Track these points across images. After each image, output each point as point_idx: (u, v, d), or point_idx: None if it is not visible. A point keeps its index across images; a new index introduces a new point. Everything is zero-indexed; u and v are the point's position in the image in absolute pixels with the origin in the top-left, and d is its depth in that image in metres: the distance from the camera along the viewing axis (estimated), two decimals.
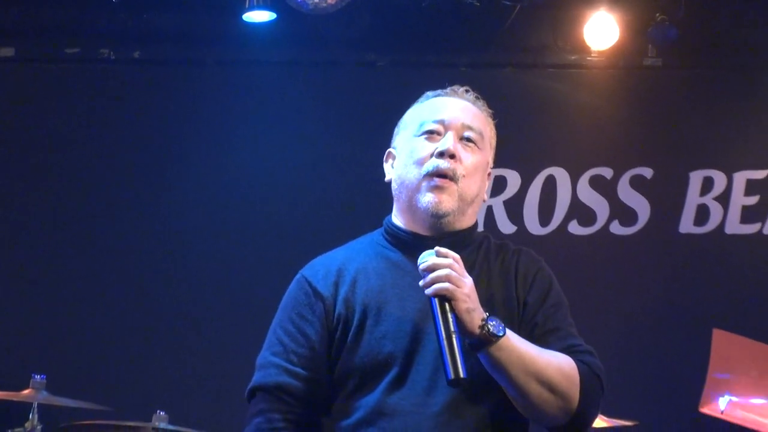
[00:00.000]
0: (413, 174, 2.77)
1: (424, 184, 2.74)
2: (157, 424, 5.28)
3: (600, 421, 5.55)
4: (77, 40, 6.83)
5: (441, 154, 2.75)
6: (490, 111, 2.95)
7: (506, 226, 6.74)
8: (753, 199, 6.87)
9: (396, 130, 2.92)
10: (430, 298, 2.57)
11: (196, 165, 6.80)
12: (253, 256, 6.71)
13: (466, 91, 2.93)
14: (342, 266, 2.77)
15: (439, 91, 2.92)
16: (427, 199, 2.73)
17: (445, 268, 2.57)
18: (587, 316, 6.73)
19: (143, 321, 6.64)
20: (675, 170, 6.88)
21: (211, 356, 6.60)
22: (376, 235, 2.87)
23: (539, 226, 6.82)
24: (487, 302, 2.65)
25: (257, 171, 6.80)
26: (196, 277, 6.71)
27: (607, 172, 6.88)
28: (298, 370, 2.68)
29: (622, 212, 6.86)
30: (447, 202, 2.73)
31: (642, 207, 6.86)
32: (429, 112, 2.84)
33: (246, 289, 6.64)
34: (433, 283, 2.56)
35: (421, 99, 2.94)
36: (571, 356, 2.68)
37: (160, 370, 6.56)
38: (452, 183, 2.73)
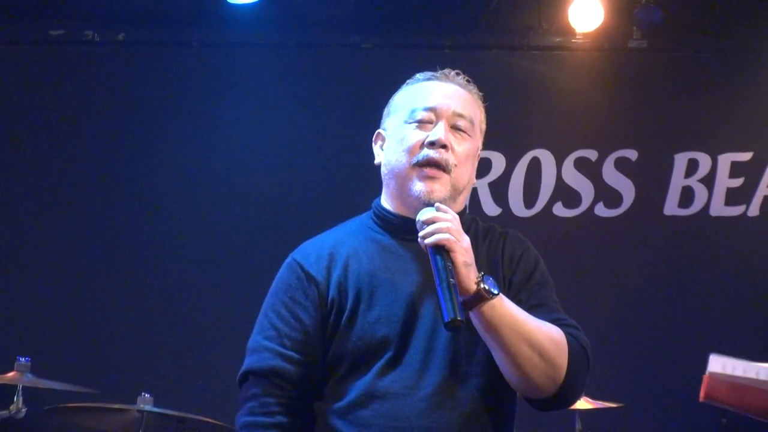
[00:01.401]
0: (403, 162, 2.75)
1: (415, 173, 2.73)
2: (142, 406, 5.27)
3: (585, 403, 5.57)
4: (62, 22, 6.80)
5: (432, 144, 2.74)
6: (481, 93, 2.95)
7: (491, 208, 6.75)
8: (737, 182, 6.88)
9: (386, 110, 2.90)
10: (428, 248, 2.57)
11: (181, 146, 6.78)
12: (238, 238, 6.71)
13: (457, 74, 2.90)
14: (333, 250, 2.76)
15: (430, 74, 2.88)
16: (418, 188, 2.72)
17: (445, 221, 2.58)
18: (572, 297, 6.74)
19: (128, 304, 6.63)
20: (660, 152, 6.89)
21: (196, 339, 6.60)
22: (365, 219, 2.86)
23: (524, 208, 6.83)
24: None
25: (242, 152, 6.79)
26: (180, 260, 6.70)
27: (592, 154, 6.89)
28: (292, 354, 2.67)
29: (607, 194, 6.87)
30: (439, 191, 2.72)
31: (627, 189, 6.87)
32: (419, 99, 2.81)
33: (231, 272, 6.63)
34: (433, 234, 2.57)
35: (411, 81, 2.90)
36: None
37: (145, 352, 6.55)
38: (444, 173, 2.73)
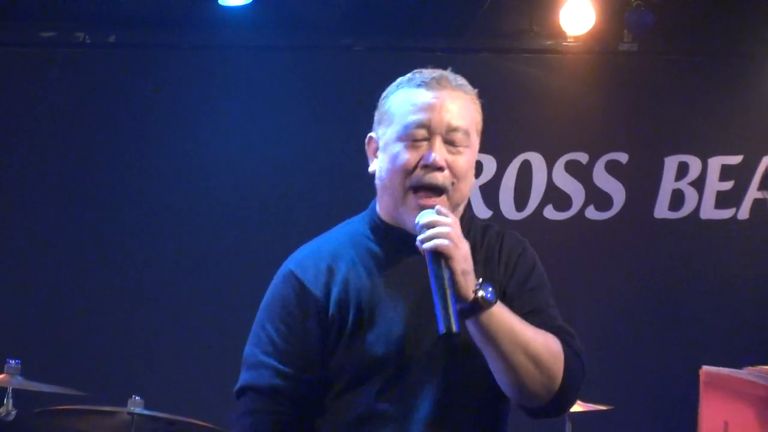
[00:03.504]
0: (397, 182, 2.64)
1: (411, 197, 2.63)
2: (132, 408, 5.26)
3: (576, 406, 5.56)
4: (53, 24, 6.79)
5: (426, 167, 2.62)
6: (476, 90, 2.80)
7: (482, 211, 6.75)
8: (727, 185, 6.90)
9: (377, 114, 2.76)
10: (426, 253, 2.50)
11: (172, 149, 6.78)
12: (230, 241, 6.70)
13: (450, 74, 2.75)
14: (331, 263, 2.67)
15: (422, 79, 2.70)
16: (413, 217, 2.60)
17: (445, 226, 2.52)
18: (562, 300, 6.75)
19: (118, 306, 6.63)
20: (650, 155, 6.91)
21: (186, 342, 6.60)
22: (361, 226, 2.76)
23: (515, 210, 6.84)
24: None
25: (234, 155, 6.79)
26: (172, 263, 6.70)
27: (583, 157, 6.90)
28: (292, 371, 2.62)
29: (598, 197, 6.88)
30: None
31: (617, 192, 6.88)
32: (412, 113, 2.65)
33: (222, 275, 6.63)
34: (432, 239, 2.51)
35: (404, 83, 2.73)
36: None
37: (135, 355, 6.55)
38: (442, 197, 2.63)
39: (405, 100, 2.68)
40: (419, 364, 2.61)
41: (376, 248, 2.70)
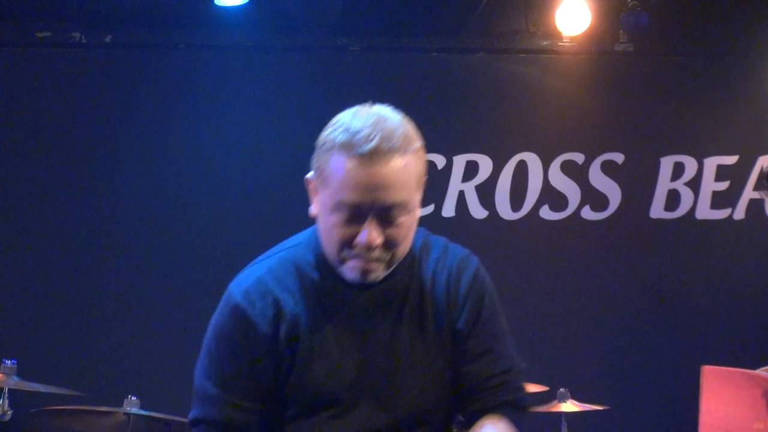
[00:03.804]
0: (334, 250, 2.58)
1: (349, 261, 2.57)
2: (128, 409, 5.26)
3: (571, 406, 5.57)
4: (48, 24, 6.79)
5: (359, 245, 2.54)
6: (418, 143, 2.58)
7: (478, 211, 6.76)
8: (723, 185, 6.91)
9: (316, 157, 2.64)
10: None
11: (168, 149, 6.78)
12: (227, 240, 6.70)
13: (387, 131, 2.54)
14: (279, 296, 2.65)
15: (358, 150, 2.52)
16: (351, 276, 2.57)
17: None
18: (558, 300, 6.79)
19: (115, 306, 6.63)
20: (646, 156, 6.91)
21: (182, 342, 6.58)
22: (306, 253, 2.70)
23: (511, 211, 6.84)
24: (420, 333, 2.63)
25: (229, 154, 6.79)
26: (168, 263, 6.70)
27: (579, 158, 6.91)
28: (243, 404, 2.62)
29: (594, 197, 6.88)
30: (375, 275, 2.58)
31: (613, 192, 6.89)
32: (346, 189, 2.51)
33: (220, 276, 6.60)
34: None
35: (338, 146, 2.56)
36: (497, 410, 2.66)
37: (131, 355, 6.55)
38: (379, 265, 2.57)
39: (339, 169, 2.54)
40: (367, 395, 2.62)
41: (320, 280, 2.66)
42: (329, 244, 2.59)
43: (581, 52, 6.96)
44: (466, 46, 6.93)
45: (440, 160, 6.66)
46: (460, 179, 6.67)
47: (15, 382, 5.40)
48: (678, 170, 6.91)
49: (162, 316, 6.65)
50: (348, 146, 2.54)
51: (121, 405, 5.31)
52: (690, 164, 6.90)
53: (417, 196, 2.59)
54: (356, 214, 2.52)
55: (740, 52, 6.93)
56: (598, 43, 6.92)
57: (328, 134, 2.63)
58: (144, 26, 6.80)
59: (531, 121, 6.92)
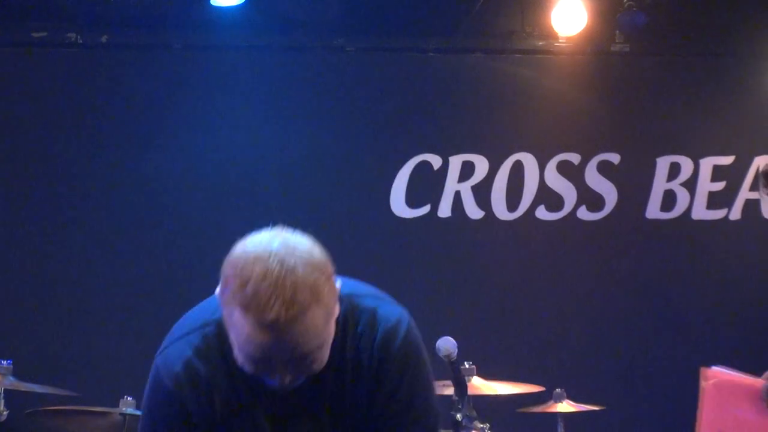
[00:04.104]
0: (246, 368, 2.47)
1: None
2: (124, 409, 5.26)
3: (567, 406, 5.57)
4: (44, 24, 6.78)
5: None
6: (324, 276, 2.43)
7: (474, 212, 6.75)
8: (719, 185, 6.91)
9: (223, 279, 2.60)
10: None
11: (164, 149, 6.77)
12: (225, 240, 6.68)
13: (287, 292, 2.39)
14: (210, 384, 2.62)
15: (259, 320, 2.38)
16: (270, 382, 2.48)
17: None
18: (554, 301, 6.79)
19: (110, 306, 6.62)
20: (642, 156, 6.92)
21: None
22: (220, 335, 2.62)
23: (507, 211, 6.84)
24: (344, 412, 2.61)
25: (226, 155, 6.78)
26: (165, 263, 6.69)
27: (575, 158, 6.91)
28: None
29: (590, 198, 6.89)
30: (297, 381, 2.49)
31: (609, 192, 6.89)
32: (252, 347, 2.41)
33: (215, 276, 6.60)
34: None
35: (239, 305, 2.44)
36: None
37: (127, 355, 6.53)
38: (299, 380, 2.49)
39: (243, 326, 2.41)
40: None
41: (241, 370, 2.56)
42: (240, 361, 2.46)
43: (577, 53, 6.97)
44: (462, 46, 6.93)
45: (436, 161, 6.66)
46: (456, 179, 6.67)
47: (11, 383, 5.40)
48: (674, 170, 6.91)
49: (159, 316, 6.62)
50: (248, 309, 2.41)
51: (116, 405, 5.31)
52: (686, 165, 6.91)
53: (332, 318, 2.46)
54: (266, 366, 2.42)
55: (736, 52, 6.94)
56: (594, 43, 6.92)
57: (232, 274, 2.56)
58: (140, 27, 6.80)
59: (527, 121, 6.93)
